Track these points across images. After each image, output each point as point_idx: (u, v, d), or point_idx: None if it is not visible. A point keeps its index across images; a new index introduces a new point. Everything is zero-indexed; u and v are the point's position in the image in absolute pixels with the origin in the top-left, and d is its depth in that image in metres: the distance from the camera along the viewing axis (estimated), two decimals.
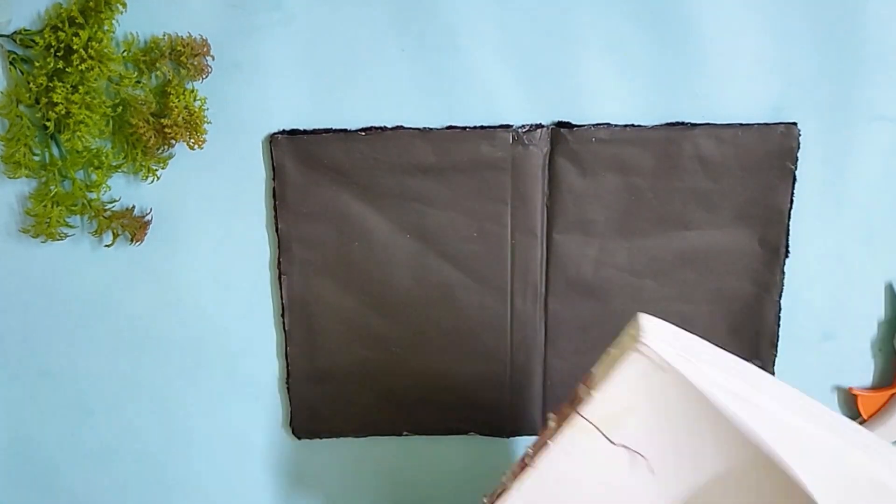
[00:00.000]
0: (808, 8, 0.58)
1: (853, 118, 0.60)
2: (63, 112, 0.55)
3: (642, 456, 0.42)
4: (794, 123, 0.59)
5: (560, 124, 0.59)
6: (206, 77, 0.58)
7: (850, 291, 0.63)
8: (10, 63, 0.57)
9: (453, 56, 0.59)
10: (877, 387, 0.65)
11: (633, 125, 0.59)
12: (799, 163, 0.59)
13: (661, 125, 0.59)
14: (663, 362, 0.41)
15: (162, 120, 0.57)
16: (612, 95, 0.59)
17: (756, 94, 0.59)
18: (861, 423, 0.64)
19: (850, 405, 0.65)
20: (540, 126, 0.59)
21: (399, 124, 0.59)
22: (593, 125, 0.59)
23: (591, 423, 0.42)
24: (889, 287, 0.63)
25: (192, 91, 0.58)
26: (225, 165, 0.60)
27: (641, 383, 0.41)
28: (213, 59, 0.58)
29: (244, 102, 0.59)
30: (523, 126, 0.59)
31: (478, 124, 0.59)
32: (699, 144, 0.59)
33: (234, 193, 0.61)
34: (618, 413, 0.42)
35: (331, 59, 0.59)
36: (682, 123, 0.59)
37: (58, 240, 0.60)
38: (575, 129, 0.59)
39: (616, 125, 0.59)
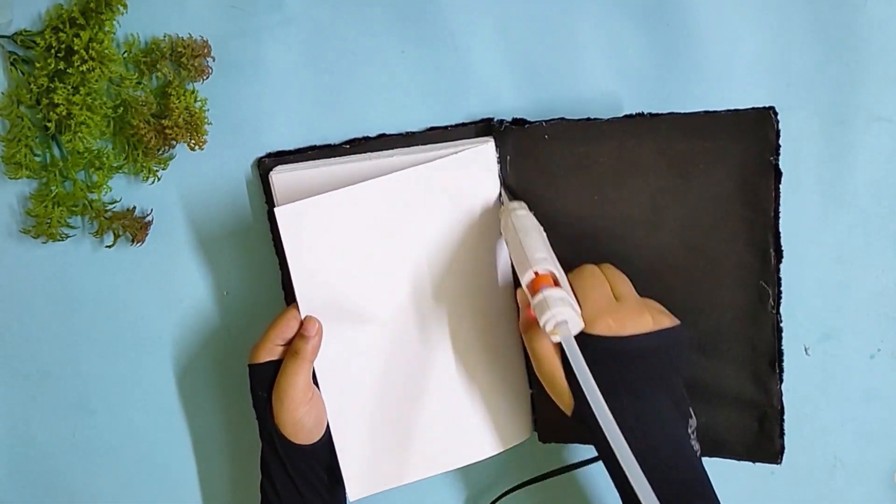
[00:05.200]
0: (807, 8, 0.58)
1: (853, 118, 0.60)
2: (64, 113, 0.56)
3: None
4: (771, 108, 0.53)
5: (515, 121, 0.57)
6: (207, 78, 0.58)
7: (849, 292, 0.63)
8: (11, 64, 0.57)
9: (453, 56, 0.59)
10: None
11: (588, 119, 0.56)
12: (798, 162, 0.59)
13: (618, 118, 0.55)
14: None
15: (163, 121, 0.57)
16: (611, 95, 0.59)
17: (755, 95, 0.59)
18: None
19: None
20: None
21: (382, 132, 0.59)
22: (546, 121, 0.56)
23: None
24: None
25: (193, 92, 0.58)
26: (225, 166, 0.60)
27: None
28: (214, 60, 0.58)
29: (244, 103, 0.59)
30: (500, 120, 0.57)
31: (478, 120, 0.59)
32: (661, 138, 0.53)
33: (234, 194, 0.61)
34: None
35: (331, 59, 0.59)
36: (642, 115, 0.55)
37: (59, 240, 0.60)
38: (527, 126, 0.56)
39: (572, 119, 0.56)
